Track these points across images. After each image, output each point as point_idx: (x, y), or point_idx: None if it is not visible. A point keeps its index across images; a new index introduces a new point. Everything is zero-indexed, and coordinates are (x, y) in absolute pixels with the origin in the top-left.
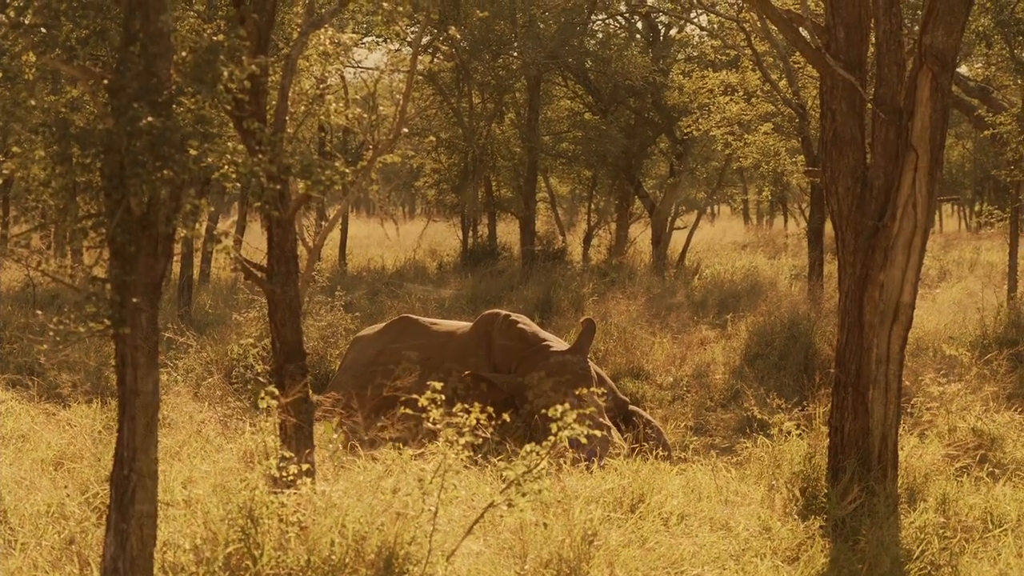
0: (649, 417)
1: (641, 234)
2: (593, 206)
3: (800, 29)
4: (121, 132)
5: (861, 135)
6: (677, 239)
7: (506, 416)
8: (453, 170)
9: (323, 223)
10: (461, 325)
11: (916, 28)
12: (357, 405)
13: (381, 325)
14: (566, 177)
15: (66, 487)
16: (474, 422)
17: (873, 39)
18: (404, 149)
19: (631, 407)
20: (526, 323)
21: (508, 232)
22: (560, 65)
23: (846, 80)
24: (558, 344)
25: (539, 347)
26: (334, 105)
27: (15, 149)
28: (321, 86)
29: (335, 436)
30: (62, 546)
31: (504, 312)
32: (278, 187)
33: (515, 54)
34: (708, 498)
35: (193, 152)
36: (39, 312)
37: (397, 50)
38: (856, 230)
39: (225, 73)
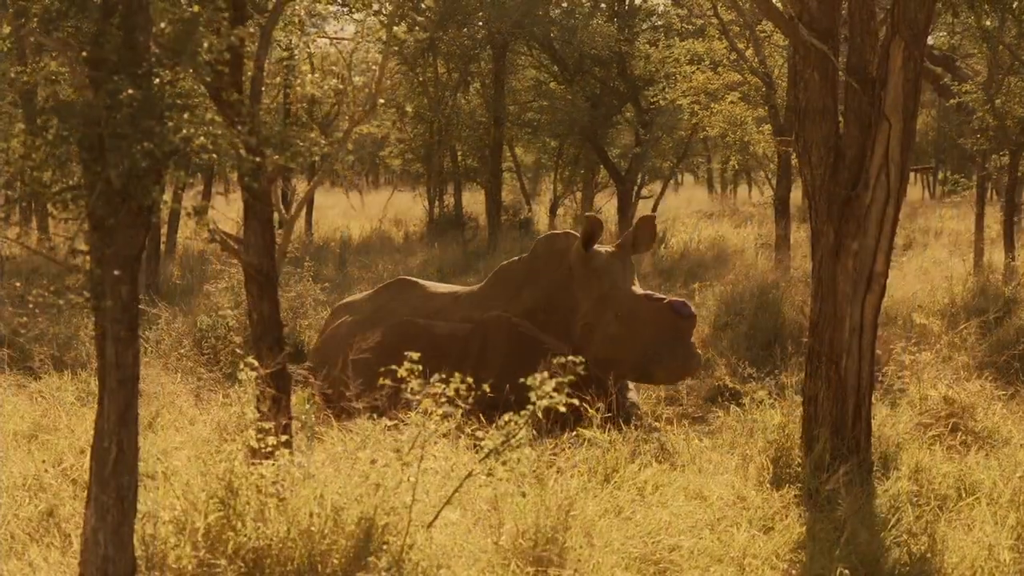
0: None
1: (607, 203)
2: (559, 175)
3: None
4: (100, 104)
5: (834, 105)
6: (642, 208)
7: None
8: (418, 140)
9: (289, 194)
10: (460, 288)
11: None
12: (344, 370)
13: (368, 292)
14: (532, 147)
15: (43, 460)
16: (453, 393)
17: (845, 8)
18: (380, 120)
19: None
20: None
21: (474, 202)
22: (525, 35)
23: (819, 49)
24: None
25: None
26: (310, 76)
27: None
28: (290, 56)
29: (308, 407)
30: (40, 518)
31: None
32: (256, 159)
33: (480, 24)
34: (682, 468)
35: (171, 124)
36: (17, 284)
37: (364, 20)
38: (829, 199)
39: (205, 44)
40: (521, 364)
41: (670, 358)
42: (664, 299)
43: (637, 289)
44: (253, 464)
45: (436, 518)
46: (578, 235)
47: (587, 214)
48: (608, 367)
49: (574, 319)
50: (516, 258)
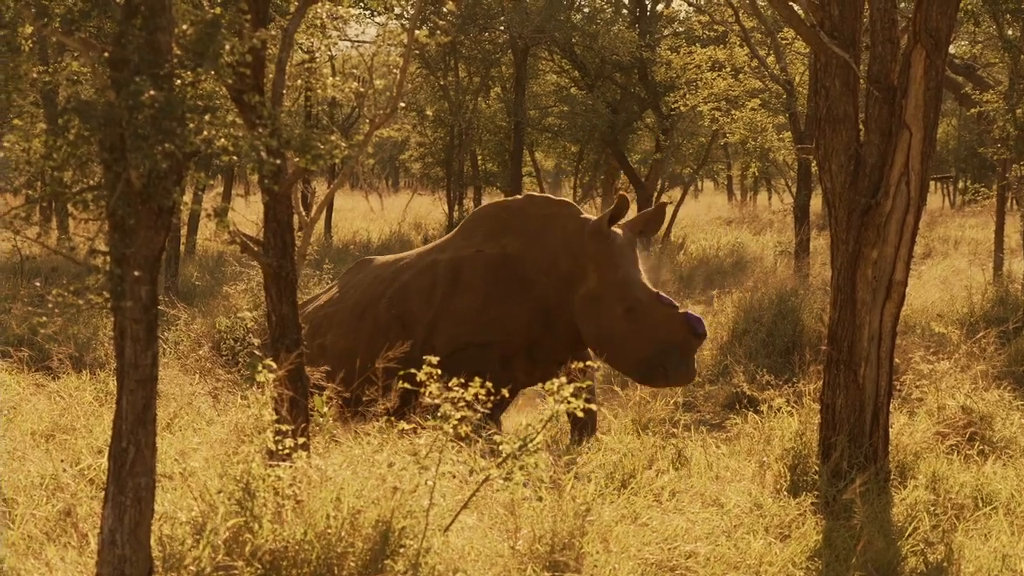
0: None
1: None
2: (579, 180)
3: (794, 6)
4: (122, 105)
5: (854, 113)
6: None
7: None
8: (439, 144)
9: (309, 196)
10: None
11: (909, 6)
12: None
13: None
14: (552, 151)
15: (61, 460)
16: (471, 396)
17: (867, 17)
18: (400, 124)
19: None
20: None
21: None
22: (547, 39)
23: (840, 57)
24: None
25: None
26: (331, 79)
27: (16, 122)
28: (311, 59)
29: (326, 410)
30: (57, 518)
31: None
32: (277, 161)
33: (502, 28)
34: (699, 475)
35: (192, 126)
36: (37, 284)
37: (386, 23)
38: (849, 207)
39: (227, 47)
40: (508, 295)
41: (672, 369)
42: (678, 307)
43: (649, 286)
44: (271, 466)
45: (453, 522)
46: (573, 204)
47: (620, 192)
48: (602, 351)
49: (573, 287)
50: (495, 203)
